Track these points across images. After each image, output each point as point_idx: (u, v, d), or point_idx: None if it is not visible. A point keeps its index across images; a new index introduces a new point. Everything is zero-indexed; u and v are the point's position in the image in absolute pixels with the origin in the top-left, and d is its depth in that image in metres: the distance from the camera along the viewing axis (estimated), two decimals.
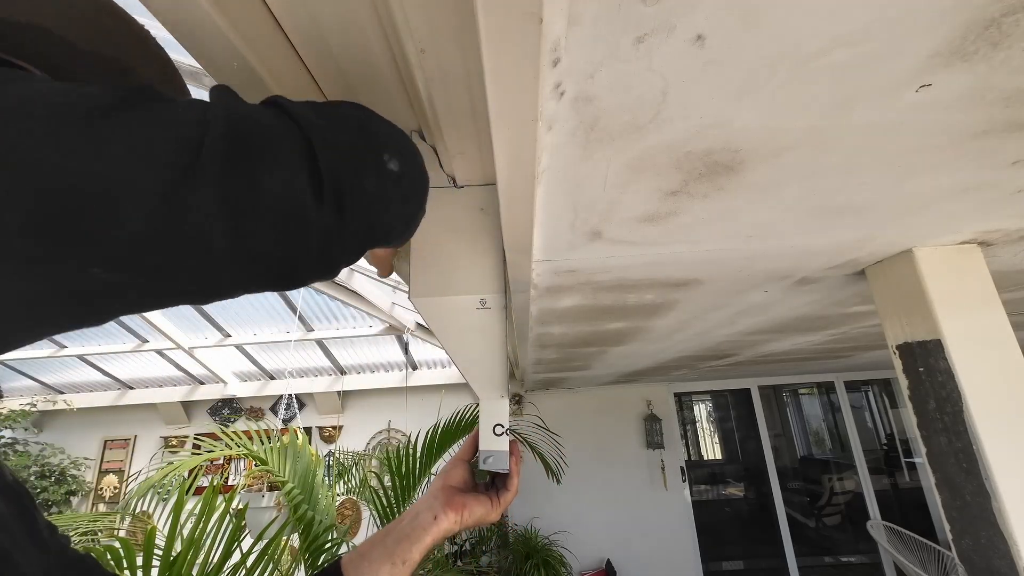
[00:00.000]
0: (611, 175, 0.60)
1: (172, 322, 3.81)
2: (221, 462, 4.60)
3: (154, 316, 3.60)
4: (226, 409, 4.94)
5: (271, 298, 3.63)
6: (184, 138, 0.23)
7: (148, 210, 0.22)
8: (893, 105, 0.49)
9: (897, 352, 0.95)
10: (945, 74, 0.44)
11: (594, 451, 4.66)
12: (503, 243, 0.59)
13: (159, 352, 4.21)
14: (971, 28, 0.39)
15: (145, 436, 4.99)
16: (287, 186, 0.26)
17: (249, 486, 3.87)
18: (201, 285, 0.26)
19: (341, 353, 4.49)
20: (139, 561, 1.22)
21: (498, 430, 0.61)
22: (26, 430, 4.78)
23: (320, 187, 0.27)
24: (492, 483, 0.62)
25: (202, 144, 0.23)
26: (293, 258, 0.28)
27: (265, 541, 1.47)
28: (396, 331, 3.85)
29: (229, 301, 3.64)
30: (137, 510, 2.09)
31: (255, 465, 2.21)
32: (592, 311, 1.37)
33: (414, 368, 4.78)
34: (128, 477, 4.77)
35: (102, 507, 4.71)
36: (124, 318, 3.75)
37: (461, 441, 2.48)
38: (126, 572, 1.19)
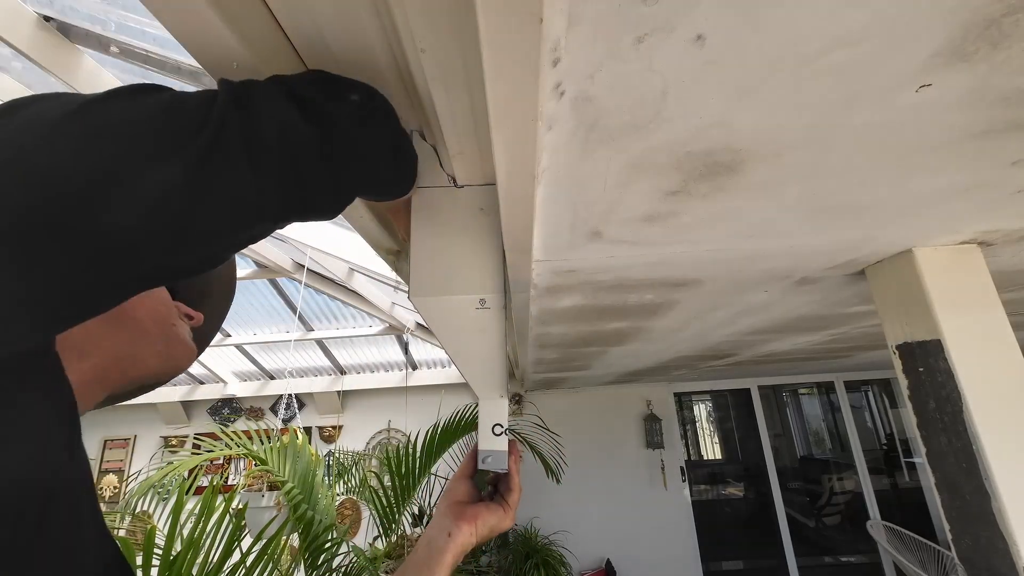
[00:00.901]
0: (611, 175, 0.60)
1: None
2: (221, 462, 4.60)
3: None
4: (226, 409, 4.94)
5: (271, 298, 3.63)
6: (202, 101, 0.30)
7: (193, 141, 0.27)
8: (893, 105, 0.48)
9: (897, 352, 0.95)
10: (945, 74, 0.44)
11: (594, 451, 4.66)
12: (503, 243, 0.59)
13: None
14: (971, 28, 0.39)
15: (145, 436, 4.98)
16: (282, 116, 0.32)
17: (249, 486, 3.87)
18: (235, 208, 0.30)
19: (341, 353, 4.49)
20: (139, 561, 1.22)
21: (497, 430, 0.61)
22: None
23: (305, 109, 0.33)
24: (495, 490, 0.62)
25: (215, 101, 0.30)
26: (301, 160, 0.33)
27: (265, 541, 1.47)
28: (396, 331, 3.85)
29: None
30: (137, 510, 2.09)
31: (255, 465, 2.21)
32: (592, 311, 1.37)
33: (414, 368, 4.77)
34: (128, 477, 4.76)
35: (102, 507, 4.70)
36: None
37: (462, 441, 2.48)
38: None
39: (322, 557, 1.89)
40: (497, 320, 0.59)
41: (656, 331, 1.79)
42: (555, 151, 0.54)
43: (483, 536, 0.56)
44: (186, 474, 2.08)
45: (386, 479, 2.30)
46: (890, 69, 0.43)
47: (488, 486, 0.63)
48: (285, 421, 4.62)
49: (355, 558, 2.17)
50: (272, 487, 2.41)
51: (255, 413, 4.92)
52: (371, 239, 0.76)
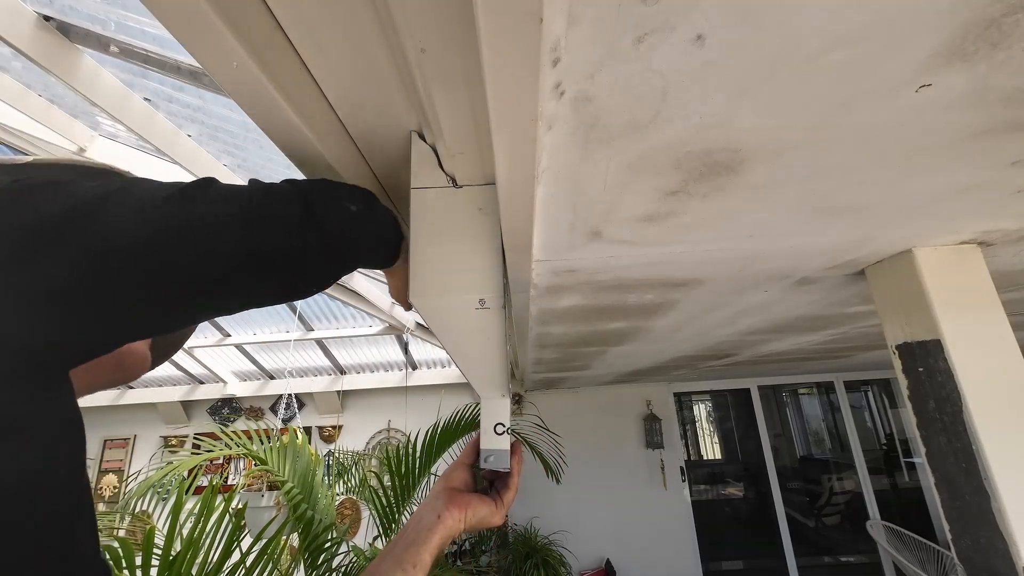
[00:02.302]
0: (611, 175, 0.60)
1: None
2: (221, 462, 4.60)
3: None
4: (226, 409, 4.94)
5: None
6: (242, 194, 0.42)
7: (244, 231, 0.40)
8: (893, 105, 0.49)
9: (897, 352, 0.95)
10: (945, 74, 0.44)
11: (594, 451, 4.66)
12: (503, 243, 0.59)
13: None
14: (971, 28, 0.39)
15: (145, 436, 4.98)
16: (288, 214, 0.43)
17: (249, 486, 3.87)
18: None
19: (341, 353, 4.49)
20: (138, 561, 1.22)
21: (499, 429, 0.61)
22: None
23: (311, 215, 0.44)
24: (492, 485, 0.62)
25: (251, 198, 0.42)
26: (298, 250, 0.43)
27: (265, 541, 1.47)
28: (396, 331, 3.85)
29: None
30: (137, 510, 2.09)
31: (255, 465, 2.21)
32: (592, 311, 1.37)
33: (414, 368, 4.77)
34: (128, 477, 4.76)
35: (102, 507, 4.70)
36: None
37: (462, 441, 2.48)
38: (125, 572, 1.19)
39: (322, 557, 1.89)
40: (497, 320, 0.58)
41: (656, 331, 1.80)
42: (555, 151, 0.54)
43: (471, 525, 0.57)
44: (186, 474, 2.08)
45: (386, 479, 2.30)
46: (890, 69, 0.43)
47: (485, 481, 0.64)
48: (285, 421, 4.62)
49: (355, 558, 2.17)
50: (272, 487, 2.41)
51: (255, 413, 4.92)
52: None
